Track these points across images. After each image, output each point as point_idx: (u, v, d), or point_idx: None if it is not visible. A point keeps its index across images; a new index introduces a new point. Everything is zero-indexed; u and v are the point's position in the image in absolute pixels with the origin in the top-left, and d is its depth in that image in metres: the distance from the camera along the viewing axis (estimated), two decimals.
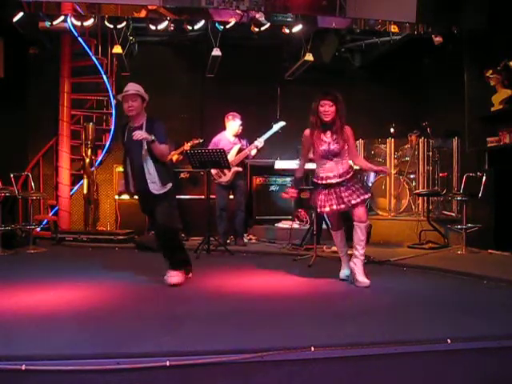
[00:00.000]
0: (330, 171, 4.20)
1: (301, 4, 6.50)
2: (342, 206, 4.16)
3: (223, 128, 6.97)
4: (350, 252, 4.43)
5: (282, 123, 6.67)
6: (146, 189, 4.12)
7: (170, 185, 4.17)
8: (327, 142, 4.16)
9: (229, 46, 7.64)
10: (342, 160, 4.22)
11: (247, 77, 8.44)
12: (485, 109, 6.53)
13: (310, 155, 4.42)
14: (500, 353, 2.69)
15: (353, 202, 4.13)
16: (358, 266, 4.19)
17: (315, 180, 4.32)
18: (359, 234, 4.18)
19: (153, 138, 3.97)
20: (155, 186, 4.10)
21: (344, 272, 4.47)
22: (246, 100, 8.06)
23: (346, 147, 4.21)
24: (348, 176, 4.19)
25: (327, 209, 4.21)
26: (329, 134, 4.17)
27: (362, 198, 4.15)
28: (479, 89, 6.66)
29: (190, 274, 4.44)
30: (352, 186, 4.18)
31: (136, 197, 4.55)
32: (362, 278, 4.15)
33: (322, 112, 4.12)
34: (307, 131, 4.28)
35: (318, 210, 4.30)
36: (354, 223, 4.21)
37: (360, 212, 4.16)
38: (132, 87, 4.12)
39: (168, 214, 4.17)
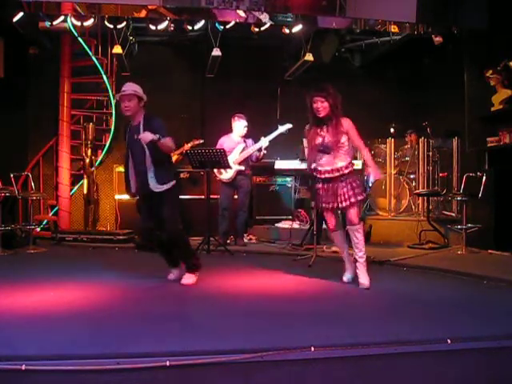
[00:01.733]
0: (327, 165, 4.15)
1: (301, 4, 6.49)
2: (335, 204, 4.12)
3: (223, 128, 6.97)
4: (350, 251, 4.39)
5: (288, 125, 6.64)
6: (148, 188, 4.12)
7: (171, 183, 4.16)
8: (323, 135, 4.13)
9: (229, 46, 7.64)
10: (339, 154, 4.12)
11: (247, 77, 8.44)
12: (485, 109, 6.53)
13: None
14: (500, 353, 2.69)
15: (345, 203, 4.07)
16: (360, 268, 4.17)
17: (314, 174, 4.26)
18: (352, 237, 4.17)
19: (158, 136, 3.96)
20: (156, 185, 4.10)
21: (347, 276, 4.38)
22: (246, 100, 8.07)
23: (345, 141, 4.13)
24: (346, 171, 4.12)
25: (324, 205, 4.18)
26: (325, 128, 4.13)
27: (356, 198, 4.08)
28: (479, 89, 6.65)
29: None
30: (350, 183, 4.12)
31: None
32: (363, 280, 4.13)
33: (315, 108, 4.09)
34: (307, 127, 4.30)
35: (317, 206, 4.25)
36: (347, 226, 4.20)
37: (351, 214, 4.12)
38: (129, 87, 4.13)
39: (172, 215, 4.17)
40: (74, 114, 8.15)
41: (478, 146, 6.65)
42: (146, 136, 3.95)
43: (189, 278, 4.27)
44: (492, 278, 4.43)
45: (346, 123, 4.15)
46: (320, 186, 4.23)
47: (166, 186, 4.12)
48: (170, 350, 2.44)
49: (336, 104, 4.08)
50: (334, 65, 8.38)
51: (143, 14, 6.78)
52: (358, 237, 4.15)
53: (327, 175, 4.16)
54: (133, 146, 4.17)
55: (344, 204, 4.09)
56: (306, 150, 4.43)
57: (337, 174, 4.13)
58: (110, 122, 8.32)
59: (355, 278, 4.26)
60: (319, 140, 4.14)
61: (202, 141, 7.29)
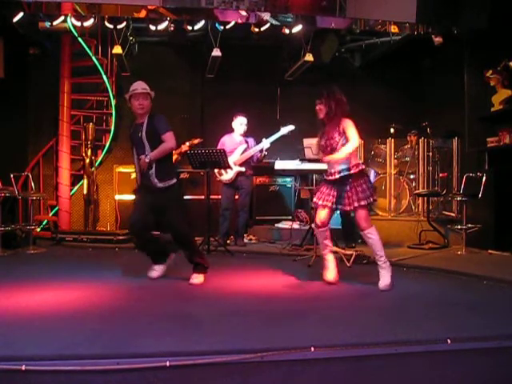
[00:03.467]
0: (331, 167, 4.24)
1: (301, 4, 6.49)
2: (331, 204, 4.19)
3: (223, 128, 6.98)
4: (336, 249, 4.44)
5: (290, 127, 6.64)
6: (150, 184, 4.25)
7: (172, 181, 4.30)
8: (325, 137, 4.24)
9: (229, 46, 7.64)
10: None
11: (247, 77, 8.44)
12: (485, 109, 6.53)
13: None
14: (500, 353, 2.69)
15: (349, 207, 4.09)
16: (380, 270, 4.18)
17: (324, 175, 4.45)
18: (366, 240, 4.19)
19: (147, 156, 4.18)
20: (157, 181, 4.25)
21: (327, 275, 4.33)
22: (246, 100, 8.06)
23: (344, 143, 4.13)
24: (351, 172, 4.12)
25: (320, 202, 4.23)
26: (329, 129, 4.23)
27: (360, 203, 4.07)
28: (479, 89, 6.66)
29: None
30: (355, 187, 4.11)
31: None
32: (381, 282, 4.13)
33: (316, 111, 4.31)
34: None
35: (314, 199, 4.33)
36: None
37: (358, 218, 4.12)
38: (143, 85, 4.28)
39: (178, 216, 4.29)
40: (74, 114, 8.15)
41: (478, 146, 6.65)
42: (143, 162, 4.19)
43: (196, 278, 4.32)
44: (492, 278, 4.44)
45: (344, 123, 4.17)
46: (326, 184, 4.30)
47: (166, 184, 4.24)
48: (170, 350, 2.44)
49: (331, 106, 4.17)
50: (334, 65, 8.37)
51: (143, 14, 6.78)
52: (371, 239, 4.13)
53: (331, 177, 4.24)
54: (136, 143, 4.31)
55: (348, 208, 4.12)
56: (307, 150, 4.54)
57: (337, 176, 4.16)
58: (109, 122, 8.33)
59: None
60: (323, 141, 4.28)
61: (200, 140, 7.28)
